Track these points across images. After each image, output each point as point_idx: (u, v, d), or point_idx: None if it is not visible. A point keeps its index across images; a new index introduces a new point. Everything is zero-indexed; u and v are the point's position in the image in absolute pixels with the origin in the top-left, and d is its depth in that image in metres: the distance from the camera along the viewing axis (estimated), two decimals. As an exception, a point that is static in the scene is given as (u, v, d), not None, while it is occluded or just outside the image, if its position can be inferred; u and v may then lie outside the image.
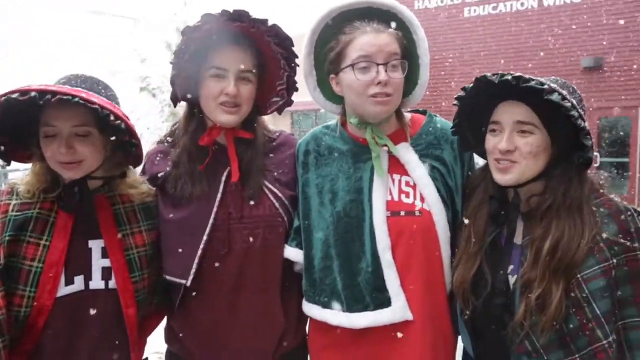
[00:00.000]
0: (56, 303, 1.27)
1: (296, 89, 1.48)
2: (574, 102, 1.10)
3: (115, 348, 1.35)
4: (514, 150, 1.14)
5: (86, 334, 1.31)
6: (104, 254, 1.34)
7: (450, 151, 1.36)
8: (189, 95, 1.42)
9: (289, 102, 1.51)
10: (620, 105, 9.70)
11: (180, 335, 1.47)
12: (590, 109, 9.56)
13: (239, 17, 1.29)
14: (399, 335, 1.30)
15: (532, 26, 10.61)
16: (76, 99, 1.14)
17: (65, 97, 1.13)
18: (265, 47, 1.39)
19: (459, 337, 1.38)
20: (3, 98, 1.12)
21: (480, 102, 1.23)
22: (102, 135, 1.29)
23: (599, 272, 1.07)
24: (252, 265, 1.39)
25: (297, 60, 1.47)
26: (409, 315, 1.27)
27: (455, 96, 1.30)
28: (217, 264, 1.37)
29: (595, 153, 9.18)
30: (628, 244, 1.08)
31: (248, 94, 1.38)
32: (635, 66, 9.45)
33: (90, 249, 1.34)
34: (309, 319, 1.47)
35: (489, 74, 1.15)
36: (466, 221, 1.29)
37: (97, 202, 1.36)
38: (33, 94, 1.11)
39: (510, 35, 10.85)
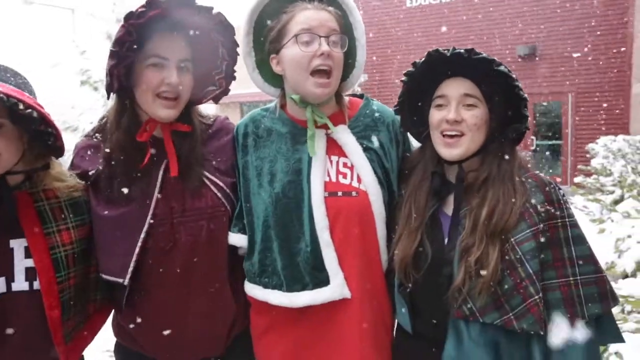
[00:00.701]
0: None
1: (234, 78, 1.45)
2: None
3: (43, 352, 1.29)
4: (461, 121, 1.20)
5: (10, 340, 1.24)
6: (28, 254, 1.27)
7: (387, 133, 1.39)
8: (124, 86, 1.34)
9: (226, 91, 1.48)
10: (553, 91, 10.52)
11: (130, 331, 1.43)
12: (526, 95, 10.45)
13: (186, 3, 1.27)
14: (339, 309, 1.32)
15: (471, 15, 11.10)
16: None
17: None
18: (204, 34, 1.35)
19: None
20: None
21: (425, 81, 1.28)
22: (16, 127, 1.20)
23: (530, 235, 1.15)
24: (200, 257, 1.37)
25: (237, 50, 1.43)
26: (347, 293, 1.29)
27: (404, 72, 1.32)
28: (161, 259, 1.34)
29: (532, 137, 9.82)
30: (552, 210, 1.16)
31: (189, 83, 1.35)
32: (566, 53, 10.19)
33: (12, 249, 1.27)
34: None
35: (440, 49, 1.20)
36: (405, 199, 1.34)
37: (19, 199, 1.28)
38: None
39: (450, 25, 11.25)
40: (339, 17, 1.34)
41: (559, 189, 1.23)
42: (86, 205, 1.39)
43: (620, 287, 2.26)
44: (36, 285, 1.26)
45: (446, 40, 11.06)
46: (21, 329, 1.25)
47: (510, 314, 1.14)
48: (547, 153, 10.70)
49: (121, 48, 1.26)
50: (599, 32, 9.88)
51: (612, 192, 4.89)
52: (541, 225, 1.16)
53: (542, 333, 1.13)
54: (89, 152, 1.42)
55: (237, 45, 1.42)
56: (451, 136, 1.23)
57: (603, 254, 2.89)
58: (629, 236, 2.80)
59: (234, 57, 1.42)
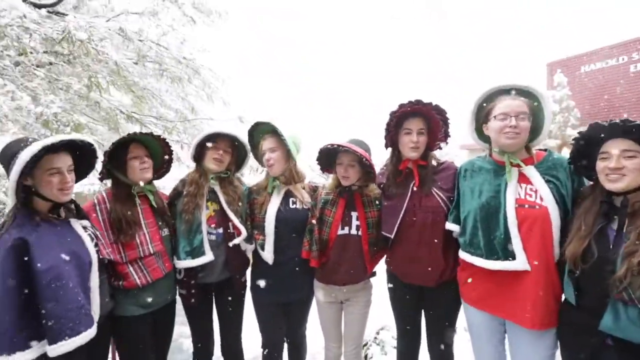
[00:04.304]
0: (337, 237, 1.77)
1: (447, 143, 1.76)
2: None
3: (359, 262, 1.78)
4: (622, 167, 1.19)
5: (348, 252, 1.77)
6: (357, 219, 1.78)
7: (564, 172, 1.45)
8: (394, 143, 1.76)
9: (440, 147, 1.77)
10: None
11: (390, 261, 1.85)
12: None
13: (420, 103, 1.64)
14: (519, 277, 1.43)
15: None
16: (350, 150, 1.68)
17: (346, 148, 1.68)
18: (432, 116, 1.66)
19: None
20: (326, 146, 1.73)
21: (592, 141, 1.28)
22: (360, 166, 1.78)
23: None
24: (426, 231, 1.66)
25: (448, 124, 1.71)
26: (527, 267, 1.39)
27: (573, 138, 1.35)
28: (409, 229, 1.70)
29: None
30: None
31: (424, 141, 1.69)
32: None
33: (351, 215, 1.79)
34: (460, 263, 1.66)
35: (600, 122, 1.23)
36: (577, 217, 1.34)
37: (355, 194, 1.81)
38: (336, 146, 1.70)
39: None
40: (529, 103, 1.46)
41: None
42: (380, 200, 1.82)
43: None
44: (359, 232, 1.78)
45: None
46: (352, 252, 1.77)
47: None
48: None
49: (389, 125, 1.71)
50: None
51: None
52: None
53: None
54: (380, 176, 1.87)
55: (449, 119, 1.70)
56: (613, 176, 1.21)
57: None
58: None
59: (448, 126, 1.72)
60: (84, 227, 1.44)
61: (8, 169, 1.27)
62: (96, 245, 1.44)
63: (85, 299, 1.32)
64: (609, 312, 1.17)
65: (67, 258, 1.27)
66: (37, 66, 3.06)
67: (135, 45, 3.41)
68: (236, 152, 1.96)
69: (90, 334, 1.30)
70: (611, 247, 1.21)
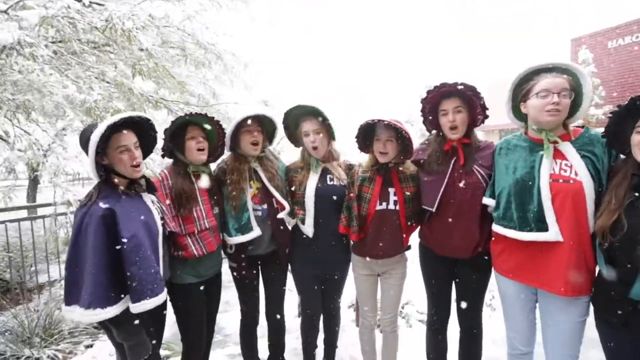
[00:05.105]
0: (375, 212, 1.84)
1: (487, 116, 1.75)
2: None
3: (397, 234, 1.88)
4: None
5: (386, 226, 1.85)
6: (394, 195, 1.86)
7: (601, 148, 1.47)
8: (435, 125, 1.83)
9: (483, 121, 1.78)
10: None
11: (426, 234, 1.93)
12: None
13: (445, 85, 1.68)
14: (552, 248, 1.49)
15: None
16: (390, 123, 1.75)
17: (386, 122, 1.73)
18: (469, 96, 1.71)
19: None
20: (366, 122, 1.78)
21: (629, 115, 1.30)
22: (397, 142, 1.84)
23: None
24: (464, 206, 1.72)
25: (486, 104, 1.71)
26: (560, 238, 1.44)
27: (610, 111, 1.42)
28: (447, 203, 1.75)
29: None
30: None
31: (462, 118, 1.74)
32: None
33: (389, 191, 1.87)
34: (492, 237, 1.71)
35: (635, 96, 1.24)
36: (608, 190, 1.38)
37: (392, 171, 1.88)
38: (376, 121, 1.76)
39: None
40: (570, 81, 1.48)
41: None
42: (418, 176, 1.89)
43: None
44: (397, 207, 1.85)
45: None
46: (390, 226, 1.86)
47: None
48: None
49: (424, 107, 1.78)
50: None
51: None
52: None
53: None
54: (420, 152, 1.93)
55: (483, 100, 1.70)
56: None
57: None
58: None
59: (484, 106, 1.72)
60: (152, 202, 1.59)
61: (87, 152, 1.43)
62: (162, 218, 1.60)
63: (158, 266, 1.48)
64: (639, 281, 1.23)
65: (143, 228, 1.44)
66: (72, 53, 3.21)
67: (160, 30, 3.51)
68: (265, 129, 2.05)
69: (164, 296, 1.48)
70: None
